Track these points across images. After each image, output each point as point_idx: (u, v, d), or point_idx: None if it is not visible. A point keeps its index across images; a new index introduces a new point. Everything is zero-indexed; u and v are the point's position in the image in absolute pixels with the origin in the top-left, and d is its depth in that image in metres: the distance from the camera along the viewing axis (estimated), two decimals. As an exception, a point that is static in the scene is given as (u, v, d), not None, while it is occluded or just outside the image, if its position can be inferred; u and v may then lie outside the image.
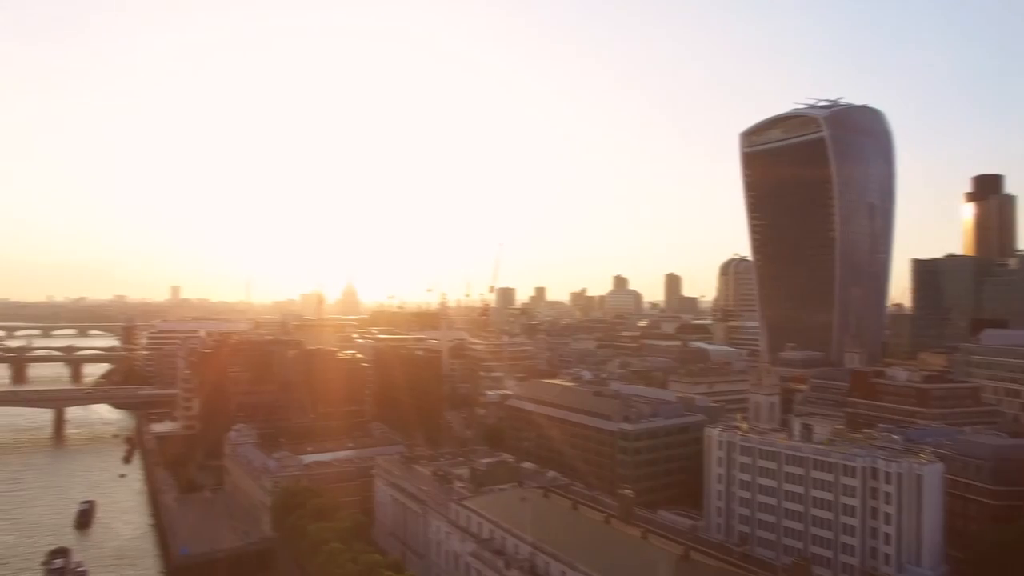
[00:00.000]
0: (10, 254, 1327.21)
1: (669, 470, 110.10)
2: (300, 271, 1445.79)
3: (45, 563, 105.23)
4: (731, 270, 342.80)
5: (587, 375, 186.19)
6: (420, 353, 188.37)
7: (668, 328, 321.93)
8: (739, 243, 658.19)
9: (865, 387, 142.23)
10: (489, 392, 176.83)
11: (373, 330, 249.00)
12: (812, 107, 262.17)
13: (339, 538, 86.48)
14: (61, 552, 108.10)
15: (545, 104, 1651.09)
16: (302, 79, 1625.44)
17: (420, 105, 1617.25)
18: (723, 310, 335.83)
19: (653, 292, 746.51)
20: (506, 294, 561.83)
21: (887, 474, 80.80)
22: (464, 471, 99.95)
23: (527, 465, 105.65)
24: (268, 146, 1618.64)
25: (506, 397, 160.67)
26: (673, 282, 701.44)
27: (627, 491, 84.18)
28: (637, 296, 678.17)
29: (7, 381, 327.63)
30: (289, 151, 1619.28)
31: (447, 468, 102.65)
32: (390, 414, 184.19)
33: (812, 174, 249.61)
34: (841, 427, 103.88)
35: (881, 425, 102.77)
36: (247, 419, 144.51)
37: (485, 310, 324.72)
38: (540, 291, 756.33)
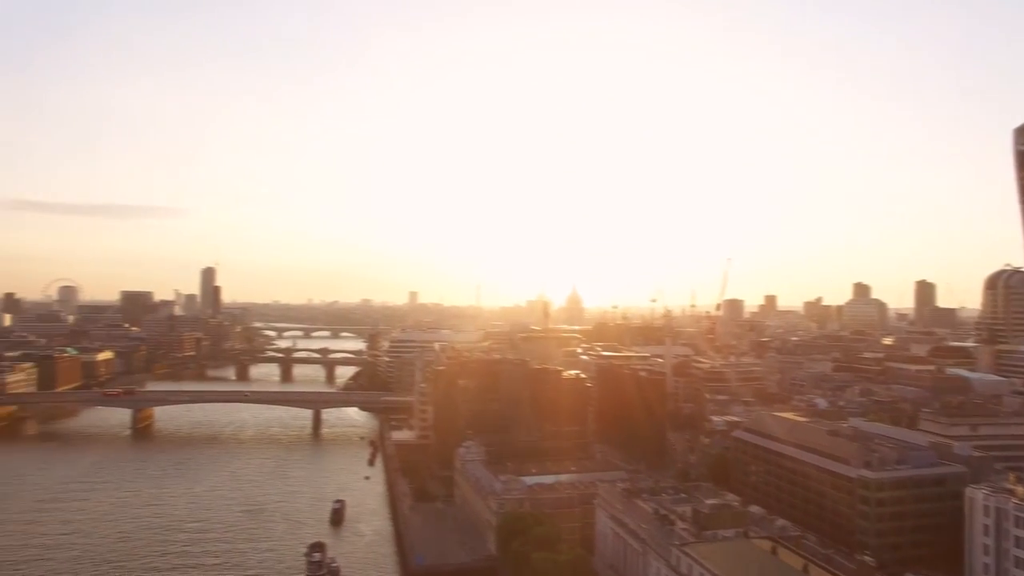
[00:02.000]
0: (280, 262, 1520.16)
1: (918, 527, 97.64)
2: (527, 274, 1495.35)
3: (306, 555, 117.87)
4: (1001, 283, 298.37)
5: (822, 403, 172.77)
6: (644, 374, 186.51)
7: (919, 350, 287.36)
8: (1010, 250, 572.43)
9: None
10: (714, 418, 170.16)
11: (597, 346, 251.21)
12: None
13: (560, 571, 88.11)
14: (319, 546, 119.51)
15: (777, 101, 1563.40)
16: (533, 87, 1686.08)
17: (649, 108, 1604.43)
18: (989, 329, 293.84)
19: (900, 300, 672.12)
20: (733, 305, 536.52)
21: None
22: (686, 509, 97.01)
23: (754, 509, 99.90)
24: (497, 151, 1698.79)
25: (732, 425, 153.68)
26: (925, 290, 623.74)
27: (867, 557, 76.41)
28: (881, 306, 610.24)
29: (277, 379, 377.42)
30: (517, 155, 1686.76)
31: (669, 505, 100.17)
32: (611, 433, 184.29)
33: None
34: None
35: None
36: (476, 434, 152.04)
37: (712, 328, 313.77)
38: (770, 300, 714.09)
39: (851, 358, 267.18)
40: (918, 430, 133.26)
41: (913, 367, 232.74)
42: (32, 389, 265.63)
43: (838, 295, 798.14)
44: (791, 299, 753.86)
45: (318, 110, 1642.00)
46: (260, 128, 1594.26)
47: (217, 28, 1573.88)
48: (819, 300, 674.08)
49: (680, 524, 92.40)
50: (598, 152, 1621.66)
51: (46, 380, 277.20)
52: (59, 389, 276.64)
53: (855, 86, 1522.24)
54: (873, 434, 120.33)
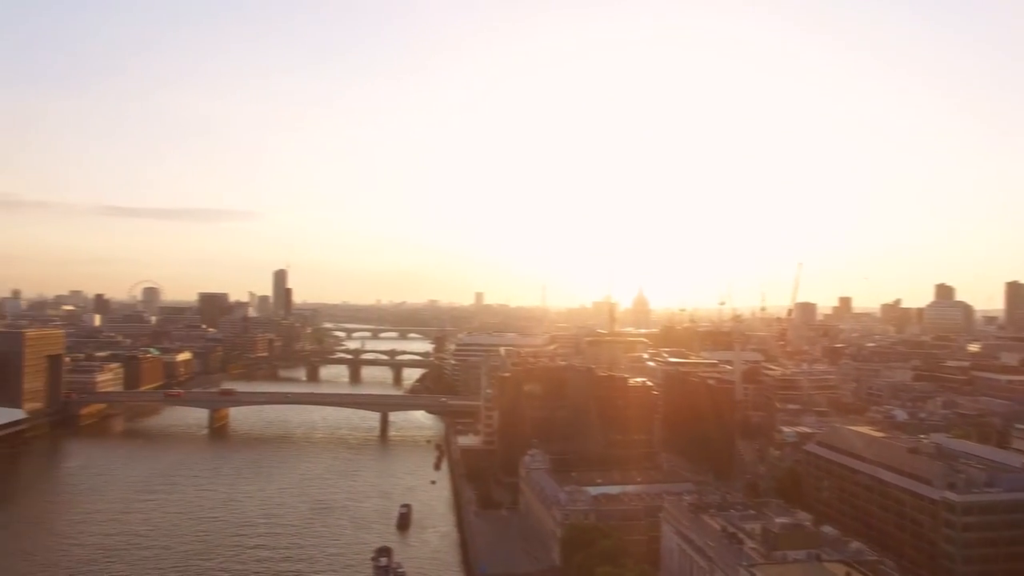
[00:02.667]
0: (349, 262, 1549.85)
1: (1011, 556, 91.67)
2: (593, 273, 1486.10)
3: (373, 559, 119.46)
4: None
5: (901, 415, 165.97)
6: (712, 382, 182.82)
7: (1010, 358, 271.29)
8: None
9: None
10: (785, 429, 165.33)
11: (663, 352, 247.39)
12: None
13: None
14: (385, 551, 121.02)
15: (848, 97, 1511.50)
16: (595, 85, 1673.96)
17: (716, 105, 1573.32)
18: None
19: (989, 302, 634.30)
20: (806, 309, 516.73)
21: None
22: (755, 527, 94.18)
23: (827, 530, 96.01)
24: (563, 148, 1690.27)
25: (804, 437, 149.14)
26: (1017, 292, 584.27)
27: (953, 588, 72.54)
28: (967, 309, 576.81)
29: (346, 380, 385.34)
30: (582, 152, 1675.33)
31: (738, 522, 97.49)
32: (678, 442, 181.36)
33: None
34: None
35: None
36: (541, 441, 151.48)
37: (783, 333, 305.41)
38: (844, 302, 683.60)
39: (933, 366, 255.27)
40: (1010, 449, 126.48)
41: (1003, 377, 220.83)
42: (119, 388, 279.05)
43: (919, 297, 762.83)
44: (867, 300, 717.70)
45: (383, 112, 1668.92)
46: (328, 131, 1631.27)
47: (285, 37, 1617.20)
48: (898, 302, 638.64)
49: (749, 543, 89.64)
50: (665, 149, 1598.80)
51: (131, 379, 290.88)
52: (142, 388, 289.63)
53: (933, 78, 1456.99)
54: (958, 452, 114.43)
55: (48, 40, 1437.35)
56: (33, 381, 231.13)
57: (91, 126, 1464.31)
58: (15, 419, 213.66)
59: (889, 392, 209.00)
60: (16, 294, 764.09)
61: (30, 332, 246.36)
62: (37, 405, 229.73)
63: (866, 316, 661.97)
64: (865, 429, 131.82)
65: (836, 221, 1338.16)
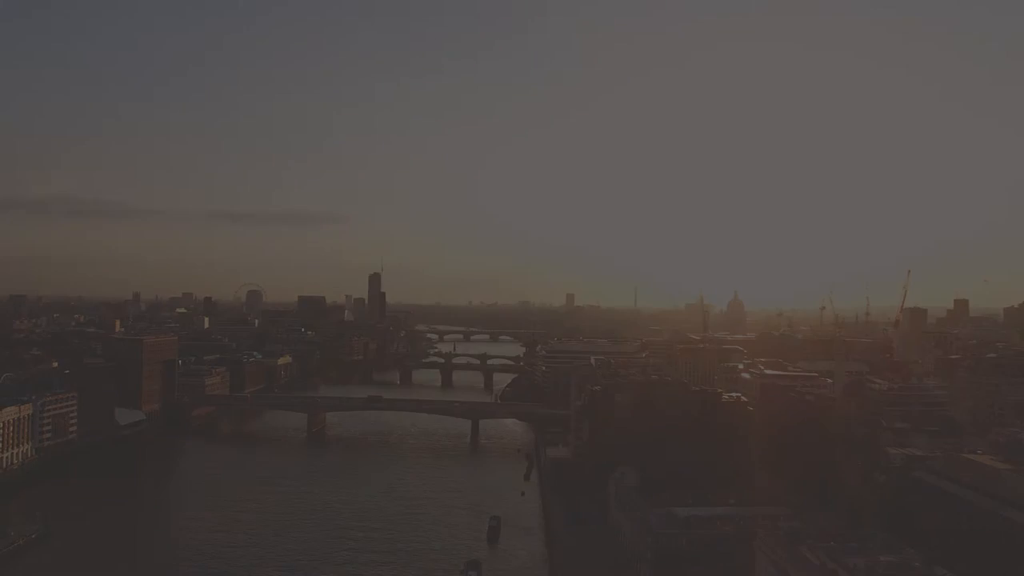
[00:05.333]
0: (440, 266, 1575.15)
1: None
2: (687, 272, 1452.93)
3: (462, 572, 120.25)
4: None
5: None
6: (811, 398, 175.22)
7: None
8: None
9: None
10: (891, 450, 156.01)
11: (760, 364, 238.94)
12: None
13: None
14: (475, 565, 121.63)
15: (957, 83, 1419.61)
16: (691, 81, 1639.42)
17: (820, 97, 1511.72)
18: None
19: None
20: (916, 316, 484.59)
21: None
22: (858, 562, 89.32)
23: (940, 573, 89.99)
24: (658, 144, 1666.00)
25: (913, 461, 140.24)
26: None
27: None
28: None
29: (438, 384, 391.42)
30: (678, 148, 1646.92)
31: (838, 556, 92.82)
32: (774, 461, 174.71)
33: None
34: None
35: None
36: (631, 456, 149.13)
37: (890, 345, 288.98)
38: (960, 305, 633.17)
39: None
40: None
41: None
42: (225, 391, 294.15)
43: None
44: (987, 301, 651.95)
45: (472, 114, 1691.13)
46: (422, 133, 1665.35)
47: (371, 44, 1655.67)
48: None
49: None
50: (764, 143, 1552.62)
51: (237, 383, 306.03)
52: (246, 391, 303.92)
53: None
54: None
55: (155, 54, 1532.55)
56: (150, 384, 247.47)
57: (199, 135, 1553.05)
58: (136, 420, 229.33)
59: (1015, 412, 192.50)
60: (136, 297, 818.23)
61: (148, 339, 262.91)
62: (154, 407, 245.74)
63: (987, 320, 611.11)
64: (987, 458, 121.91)
65: (950, 213, 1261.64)
